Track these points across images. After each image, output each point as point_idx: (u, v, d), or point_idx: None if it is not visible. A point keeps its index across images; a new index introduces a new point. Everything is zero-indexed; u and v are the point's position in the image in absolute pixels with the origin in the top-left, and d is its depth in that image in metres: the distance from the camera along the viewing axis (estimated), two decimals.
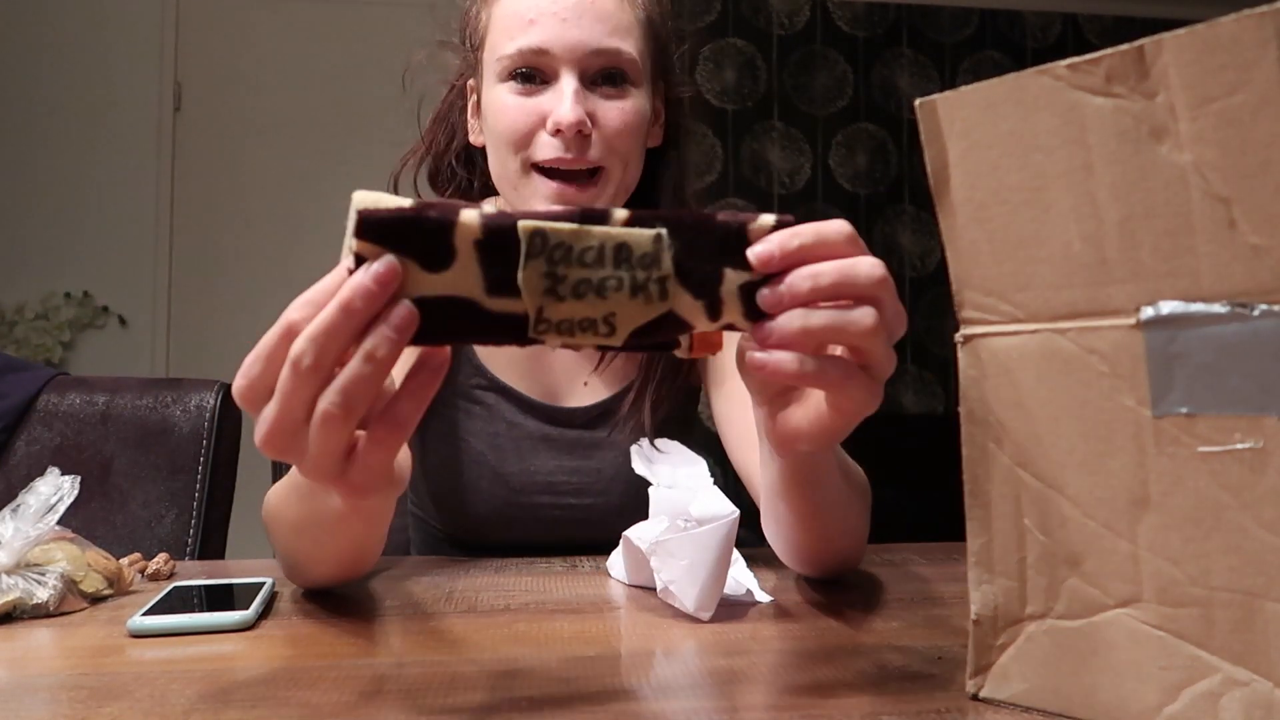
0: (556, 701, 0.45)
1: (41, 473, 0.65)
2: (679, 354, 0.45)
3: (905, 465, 3.04)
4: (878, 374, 0.45)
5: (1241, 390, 0.36)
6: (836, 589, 0.70)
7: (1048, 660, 0.43)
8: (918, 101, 0.44)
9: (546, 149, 0.77)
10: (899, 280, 3.51)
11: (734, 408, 0.83)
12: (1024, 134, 0.41)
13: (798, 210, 3.47)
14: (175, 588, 0.66)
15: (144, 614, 0.59)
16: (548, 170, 0.78)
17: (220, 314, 2.97)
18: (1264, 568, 0.36)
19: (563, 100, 0.76)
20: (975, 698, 0.45)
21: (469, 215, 0.40)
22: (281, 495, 0.62)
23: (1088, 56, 0.39)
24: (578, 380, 0.91)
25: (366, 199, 0.39)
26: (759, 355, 0.43)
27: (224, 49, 3.15)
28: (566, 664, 0.51)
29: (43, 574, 0.63)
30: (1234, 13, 0.34)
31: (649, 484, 0.74)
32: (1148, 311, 0.38)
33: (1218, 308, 0.36)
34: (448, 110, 0.92)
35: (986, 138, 0.43)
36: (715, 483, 0.65)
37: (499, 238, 0.40)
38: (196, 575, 0.75)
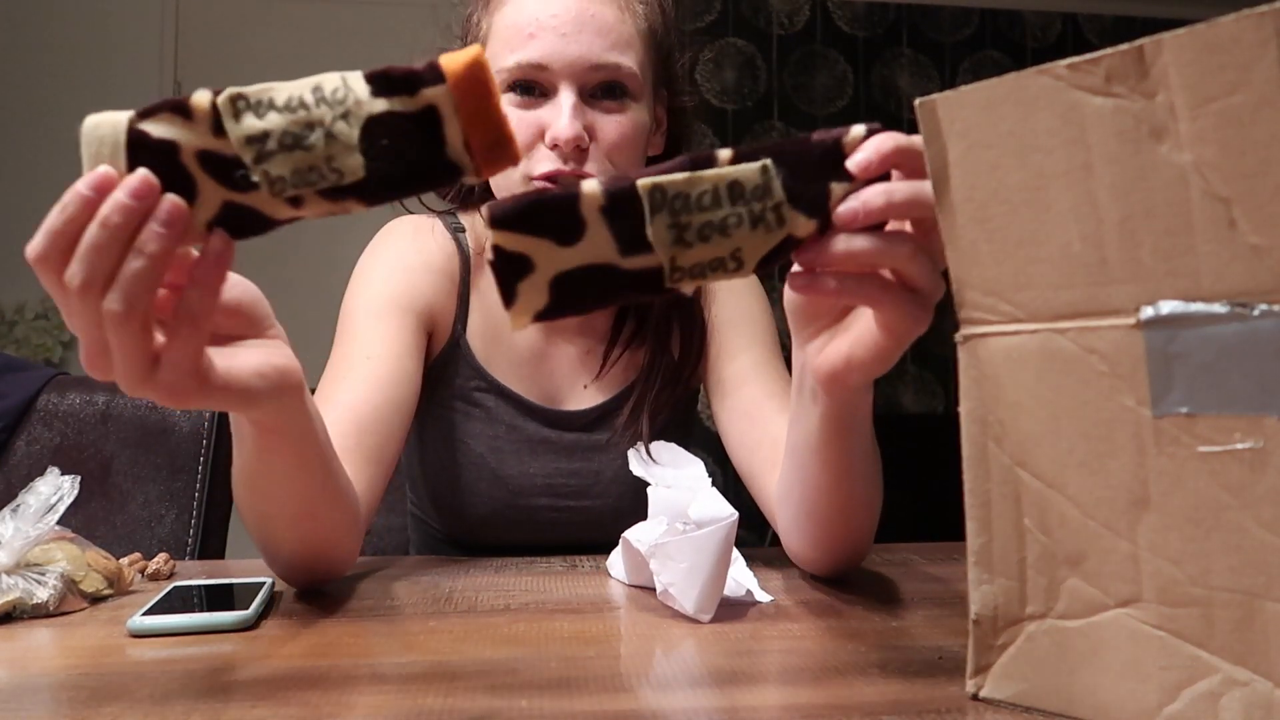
0: (556, 702, 0.45)
1: (41, 473, 0.65)
2: None
3: (905, 465, 3.04)
4: (925, 297, 0.47)
5: (1241, 390, 0.36)
6: (836, 589, 0.70)
7: (1048, 660, 0.43)
8: (917, 101, 0.44)
9: (545, 162, 0.78)
10: None
11: (736, 420, 0.83)
12: (1024, 134, 0.41)
13: None
14: (175, 588, 0.66)
15: (144, 614, 0.59)
16: (546, 181, 0.78)
17: None
18: (1264, 568, 0.36)
19: (561, 115, 0.76)
20: (975, 698, 0.45)
21: (590, 185, 0.43)
22: (234, 466, 0.62)
23: (1088, 56, 0.39)
24: (578, 384, 0.91)
25: (91, 118, 0.42)
26: (802, 277, 0.46)
27: (224, 49, 3.15)
28: (566, 664, 0.51)
29: (43, 574, 0.63)
30: (1234, 13, 0.34)
31: (648, 486, 0.75)
32: (1148, 311, 0.38)
33: (1218, 308, 0.36)
34: None
35: (986, 138, 0.43)
36: (714, 484, 0.65)
37: (622, 201, 0.43)
38: (196, 575, 0.75)
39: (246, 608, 0.60)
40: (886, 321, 0.48)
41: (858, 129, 0.45)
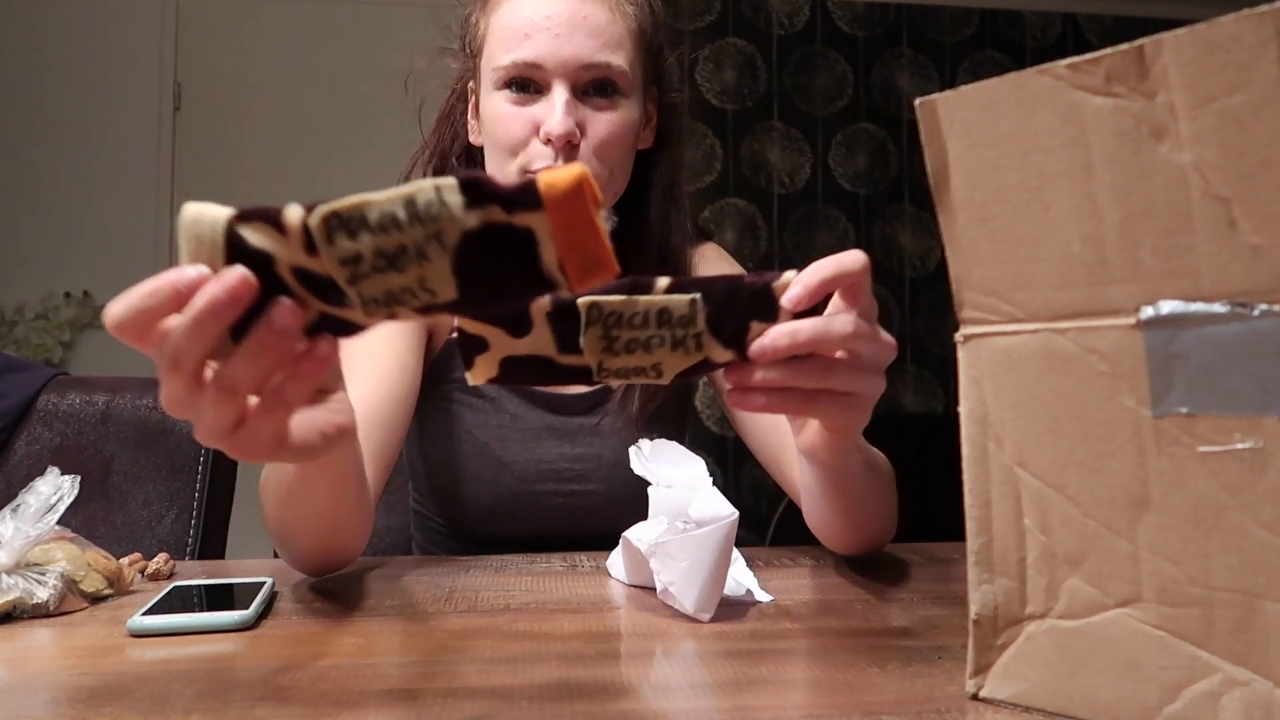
0: (557, 701, 0.45)
1: (41, 473, 0.65)
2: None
3: (905, 465, 3.04)
4: (857, 398, 0.55)
5: (1241, 390, 0.36)
6: (836, 589, 0.70)
7: (1048, 660, 0.43)
8: (918, 101, 0.44)
9: (540, 156, 0.81)
10: (899, 281, 3.52)
11: (758, 420, 0.87)
12: (1024, 134, 0.41)
13: (798, 210, 3.47)
14: (175, 588, 0.66)
15: (144, 614, 0.59)
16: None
17: None
18: (1264, 568, 0.36)
19: (554, 112, 0.80)
20: (975, 698, 0.45)
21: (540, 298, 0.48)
22: (267, 469, 0.66)
23: (1088, 56, 0.39)
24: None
25: (191, 209, 0.42)
26: (735, 394, 0.53)
27: (224, 49, 3.15)
28: (566, 664, 0.51)
29: (43, 574, 0.63)
30: (1234, 13, 0.34)
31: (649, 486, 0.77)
32: (1148, 311, 0.38)
33: (1218, 308, 0.36)
34: (449, 111, 0.95)
35: (986, 138, 0.43)
36: (714, 483, 0.65)
37: (564, 311, 0.50)
38: (196, 575, 0.75)
39: (246, 608, 0.60)
40: (825, 421, 0.58)
41: (789, 274, 0.52)
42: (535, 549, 0.85)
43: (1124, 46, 0.38)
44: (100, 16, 3.06)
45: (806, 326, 0.51)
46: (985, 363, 0.44)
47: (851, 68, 3.53)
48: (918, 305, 3.52)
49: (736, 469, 3.16)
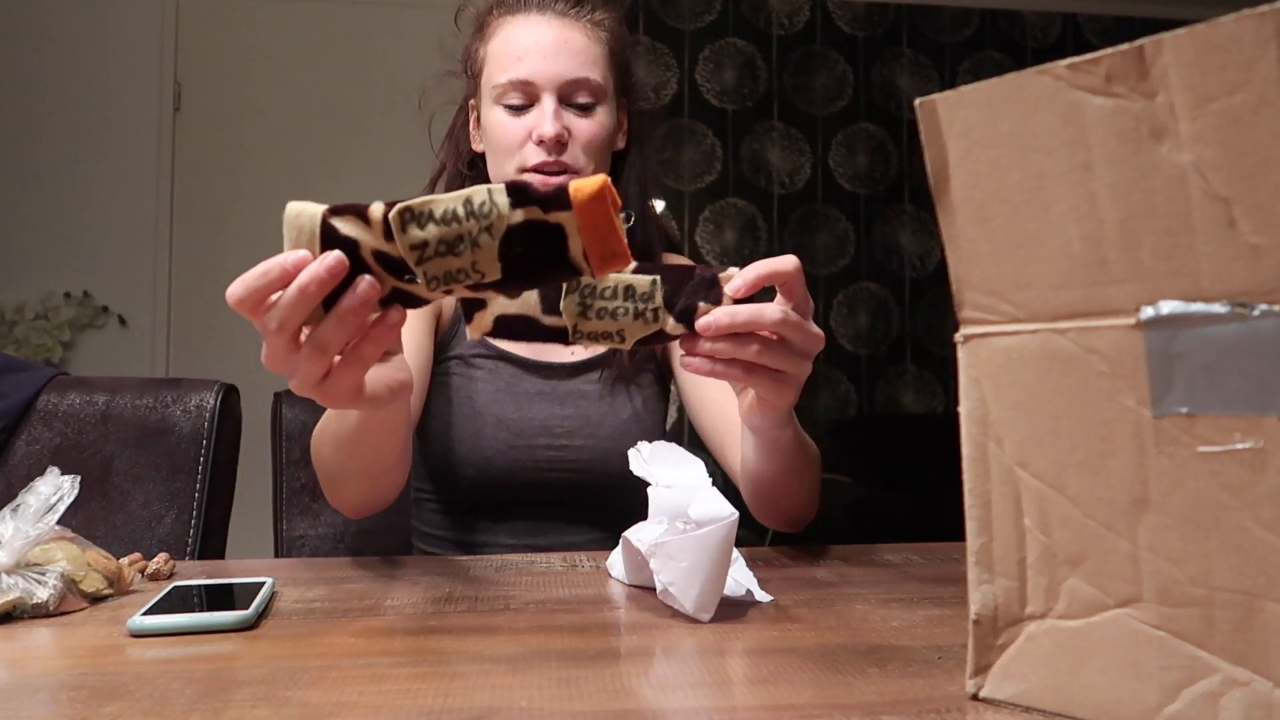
0: (556, 702, 0.45)
1: (41, 473, 0.65)
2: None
3: (905, 465, 3.04)
4: (787, 377, 0.68)
5: (1241, 390, 0.36)
6: (836, 589, 0.70)
7: (1048, 660, 0.43)
8: (918, 101, 0.44)
9: (534, 156, 0.96)
10: (899, 281, 3.52)
11: (707, 406, 1.01)
12: (1024, 134, 0.41)
13: (798, 210, 3.47)
14: (175, 587, 0.66)
15: (144, 614, 0.59)
16: (534, 171, 0.97)
17: (220, 314, 2.95)
18: (1264, 568, 0.36)
19: (545, 119, 0.96)
20: (975, 698, 0.45)
21: None
22: (324, 419, 0.80)
23: (1088, 56, 0.39)
24: (565, 351, 1.07)
25: (293, 207, 0.52)
26: (687, 360, 0.66)
27: (224, 49, 3.15)
28: (566, 664, 0.51)
29: (43, 574, 0.63)
30: (1234, 13, 0.34)
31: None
32: (1148, 311, 0.38)
33: (1218, 308, 0.36)
34: (454, 128, 1.10)
35: (986, 138, 0.43)
36: (714, 484, 0.65)
37: None
38: (196, 575, 0.76)
39: (246, 608, 0.60)
40: (760, 393, 0.71)
41: (733, 270, 0.64)
42: (529, 506, 1.00)
43: (1124, 46, 0.38)
44: (100, 16, 3.06)
45: (743, 310, 0.64)
46: (985, 363, 0.44)
47: (851, 68, 3.53)
48: (918, 305, 3.52)
49: None
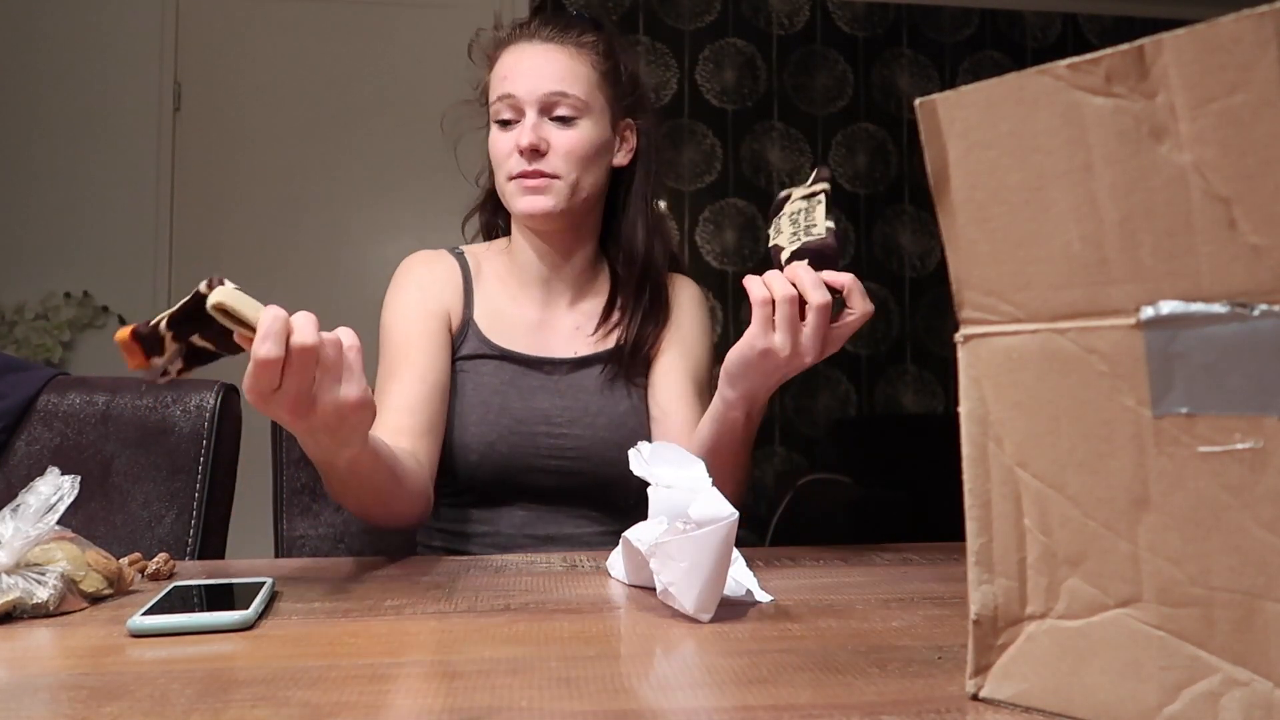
0: (556, 702, 0.45)
1: (41, 473, 0.65)
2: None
3: (905, 465, 3.04)
4: (794, 352, 0.82)
5: (1241, 390, 0.36)
6: (836, 589, 0.70)
7: (1048, 660, 0.43)
8: (918, 101, 0.44)
9: (516, 165, 1.06)
10: (899, 280, 3.52)
11: (663, 393, 1.12)
12: (1024, 134, 0.41)
13: None
14: (175, 588, 0.66)
15: (144, 614, 0.59)
16: (518, 179, 1.06)
17: None
18: (1264, 568, 0.36)
19: (524, 131, 1.05)
20: (975, 698, 0.45)
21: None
22: (324, 481, 0.88)
23: (1088, 56, 0.39)
24: (568, 351, 1.13)
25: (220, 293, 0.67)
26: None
27: (224, 49, 3.15)
28: (566, 664, 0.51)
29: (43, 574, 0.63)
30: (1234, 13, 0.34)
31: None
32: (1148, 311, 0.38)
33: (1218, 308, 0.36)
34: (488, 162, 1.18)
35: (986, 138, 0.43)
36: (713, 484, 0.65)
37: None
38: (196, 575, 0.76)
39: (246, 608, 0.60)
40: (770, 339, 0.83)
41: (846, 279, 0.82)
42: (529, 494, 1.06)
43: (1124, 46, 0.38)
44: (100, 16, 3.06)
45: (808, 276, 0.81)
46: (985, 363, 0.44)
47: (851, 68, 3.53)
48: (918, 305, 3.52)
49: None
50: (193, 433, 1.12)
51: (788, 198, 0.91)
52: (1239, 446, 0.36)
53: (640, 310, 1.13)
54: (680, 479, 0.68)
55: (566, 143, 1.05)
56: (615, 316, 1.14)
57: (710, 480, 0.66)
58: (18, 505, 0.63)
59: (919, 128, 0.45)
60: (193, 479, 1.10)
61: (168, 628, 0.58)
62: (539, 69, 1.05)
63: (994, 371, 0.44)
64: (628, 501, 1.04)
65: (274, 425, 1.23)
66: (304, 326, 0.67)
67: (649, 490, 0.69)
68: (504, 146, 1.06)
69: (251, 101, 3.13)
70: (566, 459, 1.07)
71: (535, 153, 1.04)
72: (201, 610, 0.60)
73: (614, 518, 1.08)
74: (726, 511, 0.59)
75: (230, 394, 1.14)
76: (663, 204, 1.23)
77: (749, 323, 0.83)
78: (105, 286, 3.01)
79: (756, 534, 2.87)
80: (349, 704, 0.45)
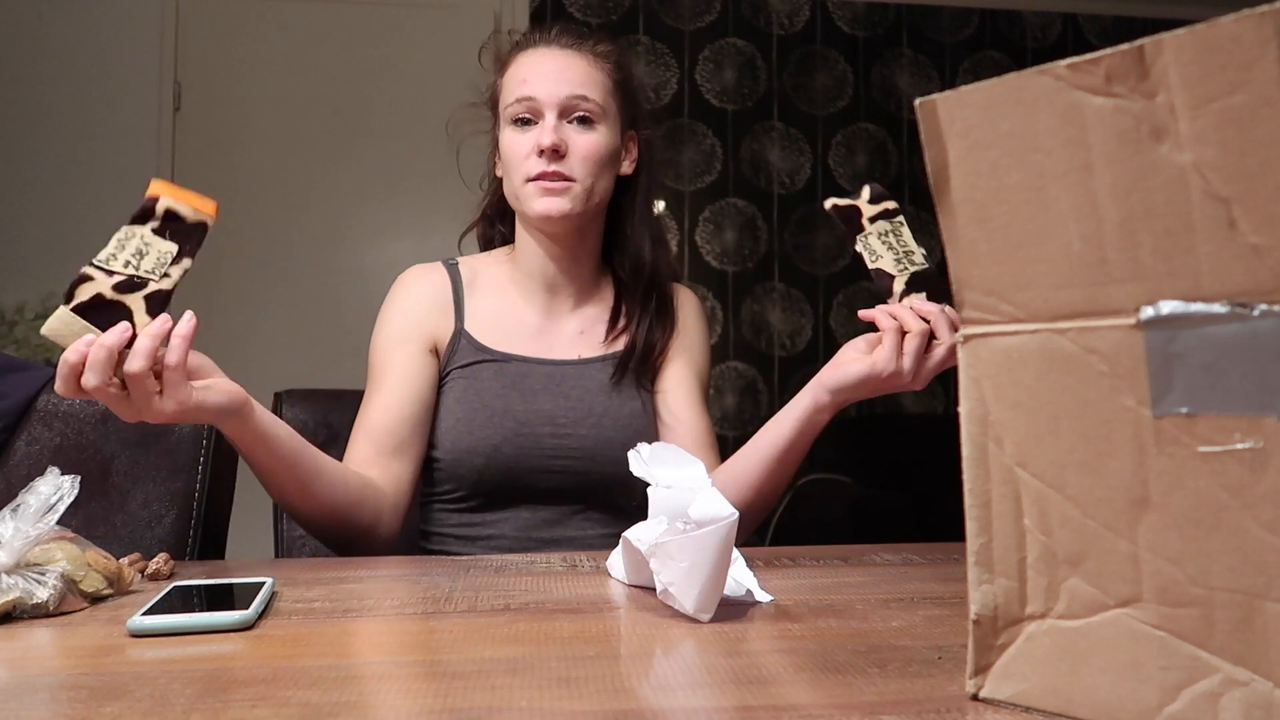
0: (556, 702, 0.45)
1: (41, 473, 0.65)
2: None
3: (905, 465, 3.04)
4: (896, 370, 0.91)
5: (1241, 390, 0.36)
6: (836, 589, 0.70)
7: (1048, 660, 0.43)
8: (918, 101, 0.44)
9: (535, 166, 1.06)
10: None
11: (678, 384, 1.16)
12: (1024, 134, 0.41)
13: (798, 210, 3.46)
14: (175, 588, 0.66)
15: (144, 614, 0.59)
16: (537, 179, 1.06)
17: (220, 314, 2.96)
18: (1264, 568, 0.36)
19: (545, 131, 1.06)
20: (975, 698, 0.45)
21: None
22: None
23: (1088, 56, 0.39)
24: (572, 353, 1.14)
25: (51, 326, 0.74)
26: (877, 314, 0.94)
27: (224, 49, 3.14)
28: (566, 664, 0.51)
29: (43, 574, 0.63)
30: (1234, 13, 0.34)
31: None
32: (1148, 311, 0.38)
33: (1218, 308, 0.36)
34: (490, 168, 1.20)
35: (986, 138, 0.43)
36: (713, 484, 0.65)
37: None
38: (196, 575, 0.75)
39: (246, 608, 0.60)
40: (875, 358, 0.94)
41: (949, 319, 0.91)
42: (533, 496, 1.06)
43: (1124, 46, 0.38)
44: (100, 16, 3.06)
45: (908, 315, 0.93)
46: (985, 363, 0.44)
47: (851, 68, 3.53)
48: None
49: None
50: (193, 433, 1.12)
51: (850, 211, 0.96)
52: (1239, 446, 0.36)
53: (648, 316, 1.15)
54: (680, 479, 0.68)
55: (585, 146, 1.07)
56: (622, 322, 1.15)
57: (711, 481, 0.66)
58: (18, 505, 0.63)
59: (919, 128, 0.45)
60: (193, 479, 1.10)
61: (168, 628, 0.58)
62: (560, 73, 1.07)
63: (994, 371, 0.44)
64: (631, 504, 1.04)
65: None
66: (97, 365, 0.73)
67: (648, 490, 0.69)
68: (522, 147, 1.07)
69: (251, 101, 3.13)
70: (572, 459, 1.07)
71: (556, 153, 1.05)
72: (201, 610, 0.60)
73: (618, 521, 1.08)
74: (726, 511, 0.59)
75: None
76: (660, 204, 1.29)
77: (841, 339, 0.86)
78: None
79: (756, 534, 2.87)
80: (349, 704, 0.45)
